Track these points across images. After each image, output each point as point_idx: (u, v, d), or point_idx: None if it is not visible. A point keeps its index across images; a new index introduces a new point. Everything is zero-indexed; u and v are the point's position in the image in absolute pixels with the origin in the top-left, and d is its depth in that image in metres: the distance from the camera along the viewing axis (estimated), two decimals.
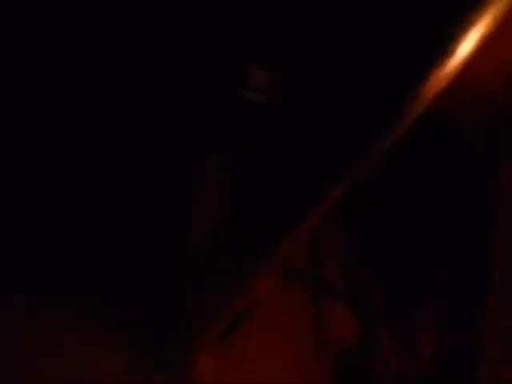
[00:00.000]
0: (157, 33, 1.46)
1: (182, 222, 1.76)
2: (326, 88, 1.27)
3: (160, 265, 1.75)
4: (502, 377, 2.02)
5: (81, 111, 1.64)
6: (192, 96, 1.56)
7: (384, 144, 1.19)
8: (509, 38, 1.49)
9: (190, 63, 1.50)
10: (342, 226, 2.30)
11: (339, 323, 2.19)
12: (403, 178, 2.23)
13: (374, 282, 2.34)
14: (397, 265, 2.36)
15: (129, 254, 1.75)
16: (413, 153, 2.02)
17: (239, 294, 1.63)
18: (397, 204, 2.31)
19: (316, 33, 1.27)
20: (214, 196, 1.67)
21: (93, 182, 1.70)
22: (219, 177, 1.67)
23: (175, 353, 1.77)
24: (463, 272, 2.11)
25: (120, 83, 1.60)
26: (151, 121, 1.65)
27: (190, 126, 1.64)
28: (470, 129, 2.00)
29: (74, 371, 1.58)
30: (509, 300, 2.01)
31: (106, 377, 1.62)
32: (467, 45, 1.16)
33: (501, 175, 2.01)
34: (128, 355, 1.69)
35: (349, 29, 1.21)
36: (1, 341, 1.54)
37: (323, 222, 1.56)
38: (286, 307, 2.05)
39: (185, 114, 1.60)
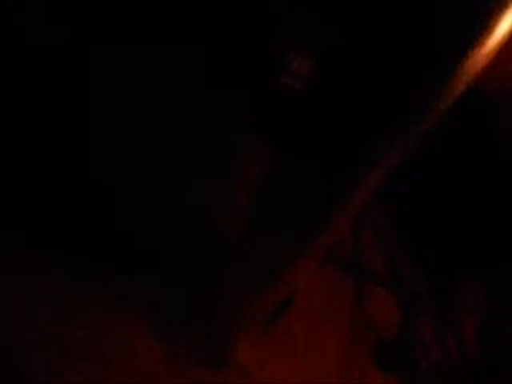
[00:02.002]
0: (201, 23, 1.49)
1: (219, 211, 1.78)
2: (363, 70, 1.27)
3: (199, 254, 1.78)
4: None
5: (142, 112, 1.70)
6: (232, 83, 1.59)
7: (428, 123, 1.19)
8: None
9: (230, 50, 1.52)
10: (384, 212, 2.29)
11: (381, 309, 2.19)
12: (441, 160, 2.21)
13: (416, 268, 2.33)
14: (440, 250, 2.35)
15: (168, 243, 1.78)
16: (450, 134, 2.00)
17: (281, 280, 1.63)
18: (437, 187, 2.29)
19: (352, 13, 1.27)
20: (250, 184, 1.68)
21: (144, 178, 1.75)
22: (255, 162, 1.68)
23: (218, 341, 1.79)
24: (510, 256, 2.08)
25: (169, 81, 1.64)
26: (192, 111, 1.68)
27: (226, 115, 1.66)
28: (506, 107, 1.98)
29: (112, 358, 1.63)
30: None
31: (144, 364, 1.67)
32: (506, 23, 1.15)
33: None
34: (168, 344, 1.73)
35: (386, 11, 1.21)
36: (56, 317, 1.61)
37: (365, 209, 1.56)
38: (328, 294, 2.06)
39: (225, 103, 1.63)
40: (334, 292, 2.09)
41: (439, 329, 2.27)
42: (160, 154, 1.74)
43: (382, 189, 1.43)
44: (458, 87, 1.17)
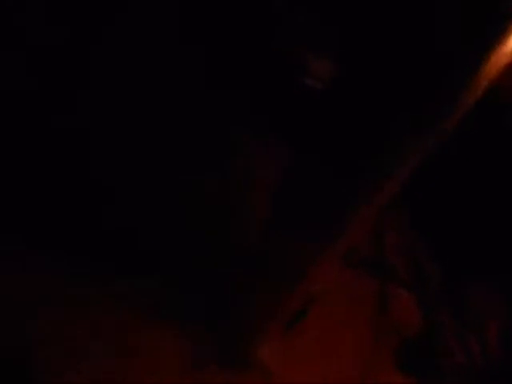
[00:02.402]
0: (220, 23, 1.51)
1: (239, 212, 1.79)
2: (386, 69, 1.27)
3: (220, 254, 1.78)
4: None
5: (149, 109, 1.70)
6: (252, 85, 1.60)
7: (452, 120, 1.19)
8: None
9: (250, 53, 1.53)
10: (405, 213, 2.28)
11: (403, 310, 2.18)
12: (460, 161, 2.20)
13: (439, 269, 2.31)
14: (462, 252, 2.33)
15: (188, 247, 1.79)
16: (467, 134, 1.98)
17: (304, 280, 1.63)
18: (457, 187, 2.27)
19: (373, 17, 1.28)
20: (267, 184, 1.69)
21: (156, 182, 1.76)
22: (274, 164, 1.69)
23: (240, 341, 1.79)
24: None
25: (183, 81, 1.65)
26: (208, 110, 1.69)
27: (245, 115, 1.67)
28: None
29: (138, 359, 1.65)
30: None
31: (168, 366, 1.67)
32: None
33: None
34: (191, 345, 1.74)
35: (407, 9, 1.22)
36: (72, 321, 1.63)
37: (387, 209, 1.55)
38: (350, 295, 2.06)
39: (244, 103, 1.64)
40: (355, 293, 2.09)
41: (461, 331, 2.25)
42: (162, 153, 1.74)
43: (403, 189, 1.43)
44: (480, 86, 1.17)
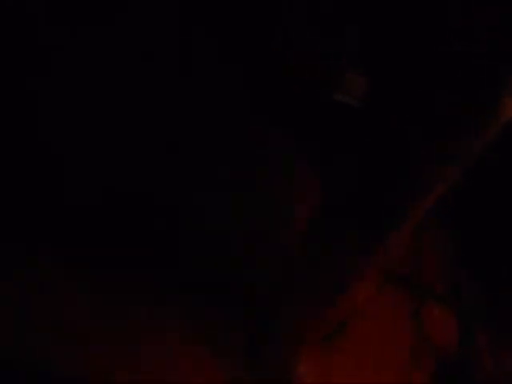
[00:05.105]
0: (255, 37, 1.53)
1: (275, 226, 1.79)
2: (419, 88, 1.27)
3: (259, 265, 1.79)
4: None
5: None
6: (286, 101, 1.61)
7: (484, 139, 1.19)
8: None
9: (285, 69, 1.55)
10: (442, 229, 2.26)
11: (440, 326, 2.15)
12: (496, 176, 2.17)
13: (475, 284, 2.28)
14: (501, 270, 2.29)
15: (225, 259, 1.81)
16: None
17: (342, 295, 1.63)
18: (494, 202, 2.24)
19: (409, 31, 1.28)
20: (304, 202, 1.70)
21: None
22: (311, 180, 1.69)
23: (277, 353, 1.79)
24: None
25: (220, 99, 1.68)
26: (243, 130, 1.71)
27: (280, 131, 1.68)
28: None
29: (166, 370, 1.65)
30: None
31: (198, 376, 1.68)
32: None
33: None
34: (227, 356, 1.74)
35: (442, 28, 1.22)
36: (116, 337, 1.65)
37: (424, 225, 1.54)
38: (387, 310, 2.04)
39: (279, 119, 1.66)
40: (392, 310, 2.07)
41: (500, 353, 2.20)
42: (205, 172, 1.76)
43: (443, 207, 1.43)
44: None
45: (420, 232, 1.69)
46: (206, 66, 1.62)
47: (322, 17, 1.54)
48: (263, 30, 1.58)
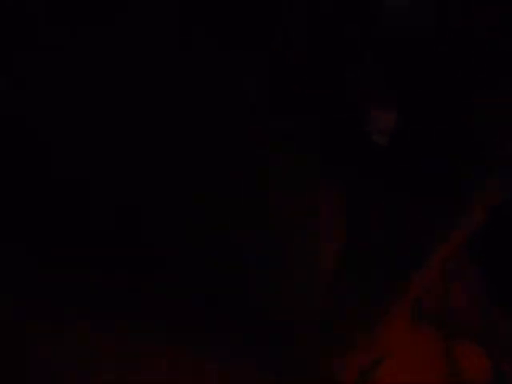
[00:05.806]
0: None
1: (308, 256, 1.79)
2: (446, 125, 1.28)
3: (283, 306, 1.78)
4: None
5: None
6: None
7: None
8: None
9: (315, 104, 1.58)
10: (474, 265, 2.22)
11: (472, 365, 2.10)
12: None
13: (508, 323, 2.22)
14: None
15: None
16: None
17: (369, 335, 1.61)
18: None
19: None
20: (332, 239, 1.69)
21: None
22: (337, 218, 1.69)
23: None
24: None
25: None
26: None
27: (305, 164, 1.69)
28: None
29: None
30: None
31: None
32: None
33: None
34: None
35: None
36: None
37: (452, 260, 1.52)
38: (418, 349, 2.00)
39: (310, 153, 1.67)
40: (424, 348, 2.03)
41: None
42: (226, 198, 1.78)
43: (472, 242, 1.41)
44: None
45: (451, 269, 1.66)
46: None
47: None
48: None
